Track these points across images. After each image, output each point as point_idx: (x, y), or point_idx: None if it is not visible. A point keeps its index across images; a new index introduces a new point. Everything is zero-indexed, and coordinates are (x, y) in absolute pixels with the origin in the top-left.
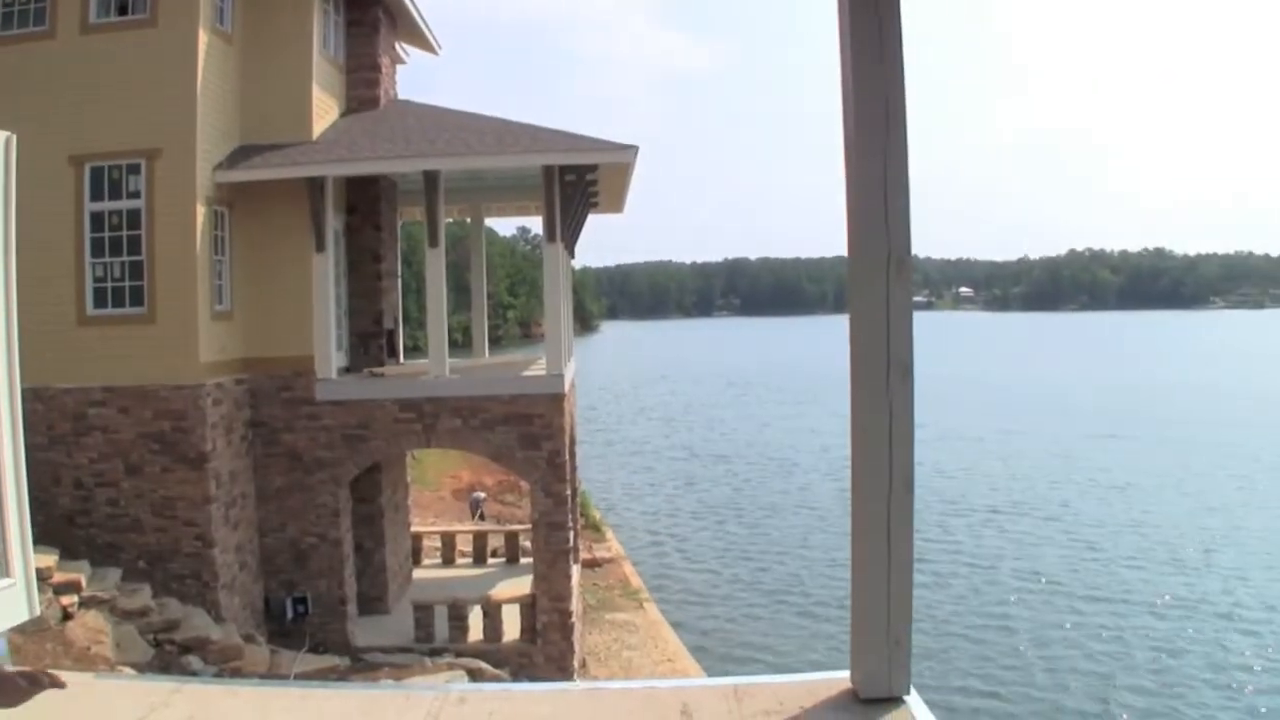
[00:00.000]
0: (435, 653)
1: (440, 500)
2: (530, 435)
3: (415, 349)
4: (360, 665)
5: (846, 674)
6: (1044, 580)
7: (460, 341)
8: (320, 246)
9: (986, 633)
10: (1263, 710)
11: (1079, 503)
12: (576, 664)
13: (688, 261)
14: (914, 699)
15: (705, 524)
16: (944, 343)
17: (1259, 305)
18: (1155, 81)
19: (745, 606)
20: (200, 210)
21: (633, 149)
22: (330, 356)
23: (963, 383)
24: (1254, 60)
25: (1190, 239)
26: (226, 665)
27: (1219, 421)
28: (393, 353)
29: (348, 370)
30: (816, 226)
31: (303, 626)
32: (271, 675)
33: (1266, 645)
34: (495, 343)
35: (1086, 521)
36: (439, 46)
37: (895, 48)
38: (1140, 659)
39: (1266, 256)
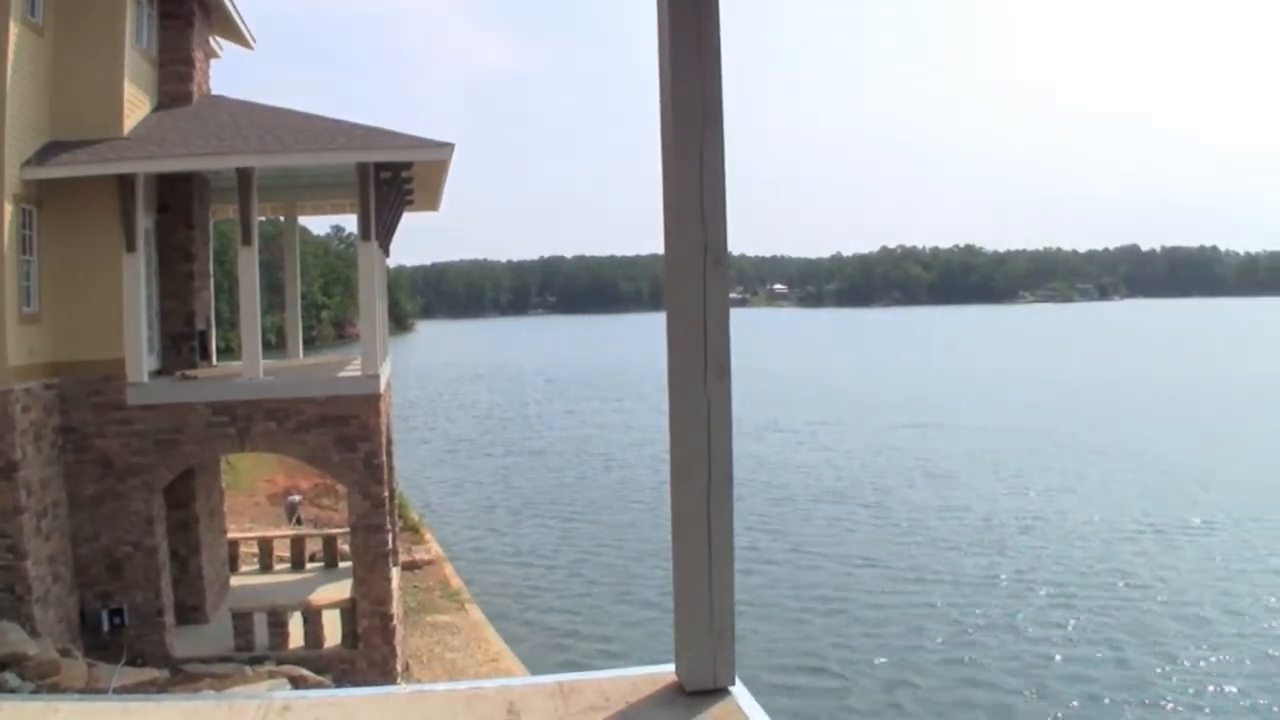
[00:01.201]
0: (256, 661)
1: (256, 505)
2: (346, 437)
3: (228, 351)
4: (180, 676)
5: (671, 667)
6: (865, 564)
7: (274, 342)
8: (131, 246)
9: (812, 618)
10: (1057, 674)
11: (897, 489)
12: (399, 668)
13: (504, 260)
14: (739, 689)
15: (525, 521)
16: (760, 339)
17: (1066, 299)
18: (966, 82)
19: (569, 603)
20: (7, 208)
21: (449, 146)
22: (142, 359)
23: (779, 378)
24: (1065, 61)
25: (1000, 236)
26: (44, 681)
27: (1028, 410)
28: (205, 355)
29: (160, 373)
30: (633, 224)
31: (120, 638)
32: (90, 690)
33: (1078, 615)
34: (309, 343)
35: (905, 507)
36: (254, 40)
37: (713, 48)
38: (956, 634)
39: (1074, 252)
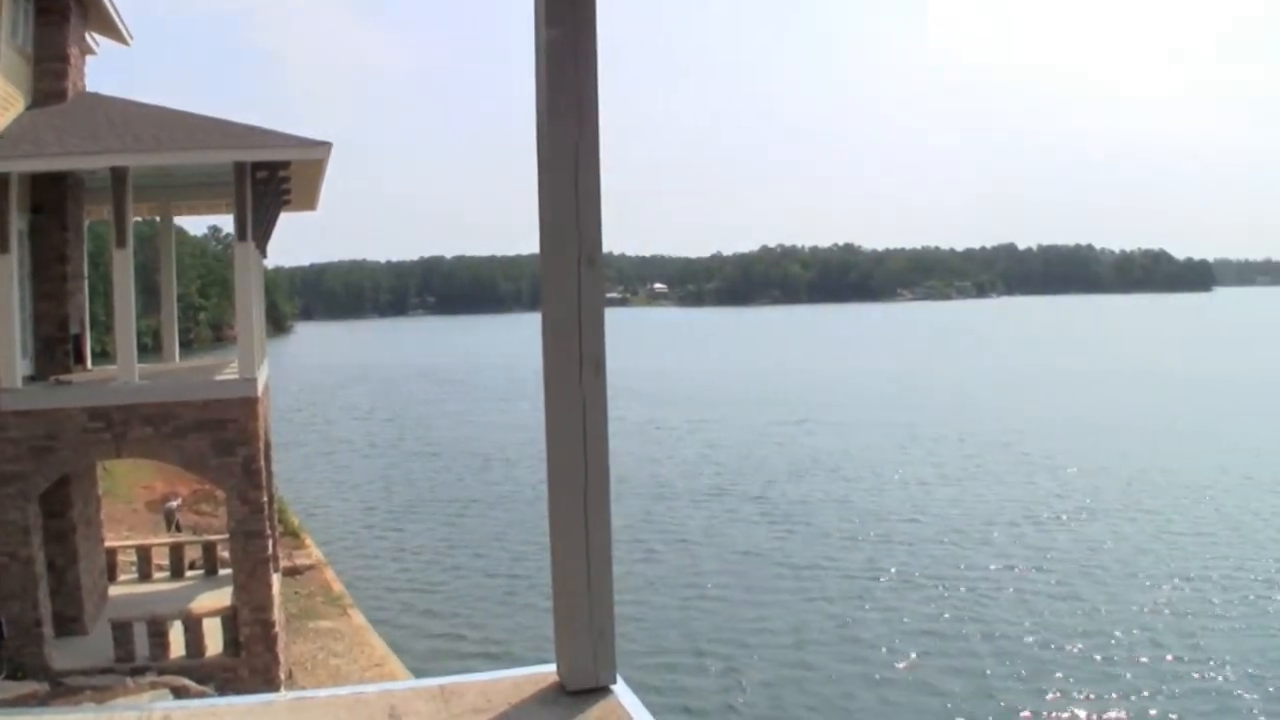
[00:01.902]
0: (137, 672)
1: (134, 513)
2: (224, 441)
3: (103, 354)
4: (61, 690)
5: (553, 667)
6: (748, 557)
7: (150, 346)
8: (3, 248)
9: (695, 612)
10: (938, 660)
11: (779, 484)
12: (283, 675)
13: (383, 260)
14: (621, 687)
15: (407, 523)
16: (640, 338)
17: (945, 297)
18: (847, 81)
19: (453, 604)
20: None
21: (326, 145)
22: (14, 364)
23: (659, 376)
24: (942, 60)
25: (879, 235)
26: None
27: (907, 405)
28: (80, 359)
29: (33, 378)
30: (513, 224)
31: None
32: None
33: (957, 602)
34: (186, 346)
35: (786, 501)
36: (131, 37)
37: (589, 48)
38: (840, 625)
39: (952, 251)
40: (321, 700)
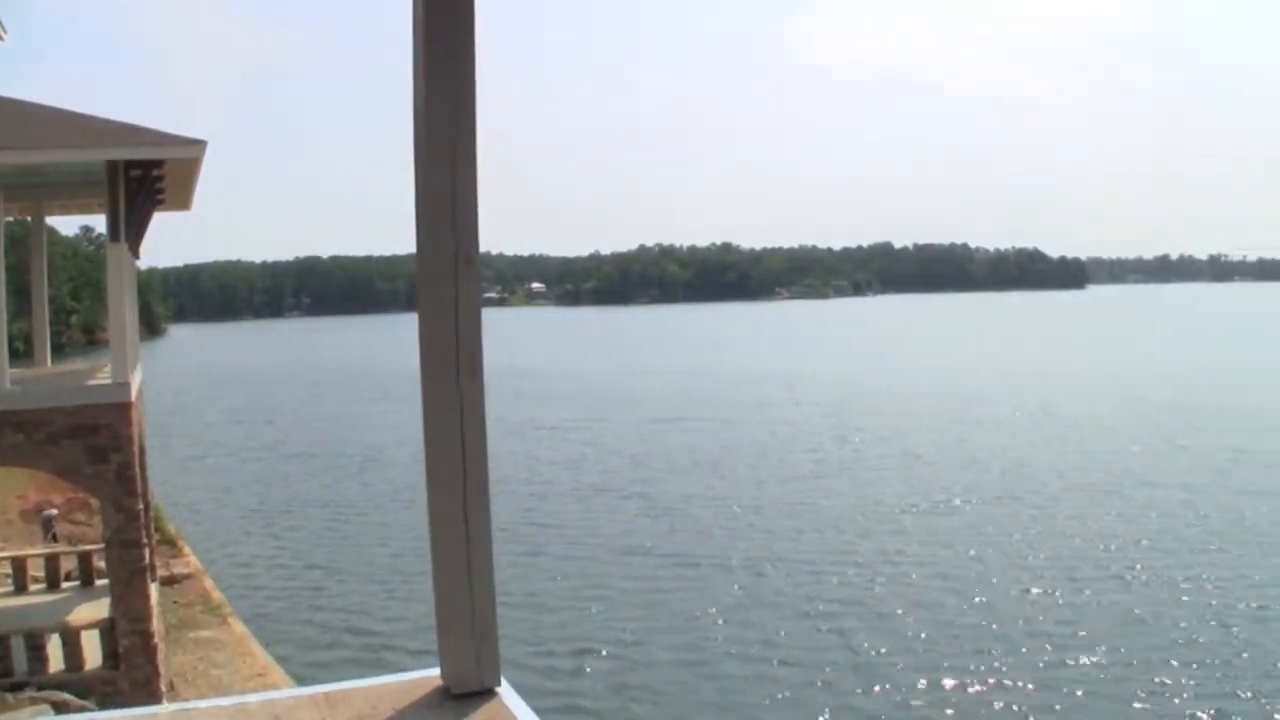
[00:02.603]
0: (16, 687)
1: (9, 523)
2: (97, 448)
3: None
4: None
5: (437, 671)
6: (632, 553)
7: (21, 350)
8: None
9: (580, 610)
10: (816, 646)
11: (660, 481)
12: (164, 687)
13: (258, 260)
14: (506, 689)
15: (286, 528)
16: (518, 338)
17: (822, 295)
18: (724, 81)
19: (335, 609)
20: None
21: (201, 144)
22: None
23: (539, 376)
24: (822, 60)
25: (757, 234)
26: None
27: (785, 402)
28: None
29: None
30: (389, 223)
31: None
32: None
33: (838, 591)
34: (58, 350)
35: (667, 497)
36: (5, 31)
37: (468, 47)
38: (722, 616)
39: (829, 250)
40: (204, 711)
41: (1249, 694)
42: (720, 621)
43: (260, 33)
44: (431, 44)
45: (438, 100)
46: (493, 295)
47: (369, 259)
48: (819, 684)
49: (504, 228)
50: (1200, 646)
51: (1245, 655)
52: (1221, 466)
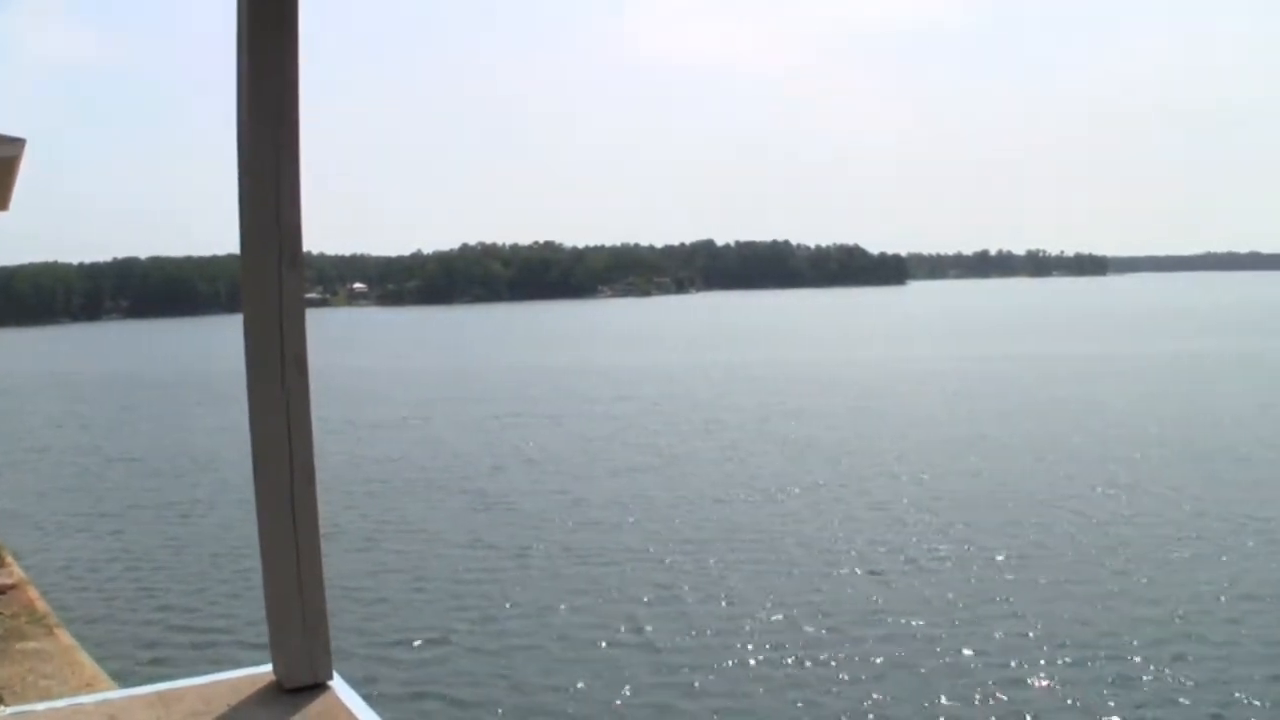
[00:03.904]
0: None
1: None
2: None
3: None
4: None
5: (270, 667)
6: (467, 547)
7: None
8: None
9: (413, 604)
10: (646, 636)
11: (490, 476)
12: None
13: (75, 262)
14: (338, 682)
15: (113, 533)
16: (341, 339)
17: (645, 293)
18: (545, 77)
19: (165, 614)
20: None
21: (19, 142)
22: None
23: (363, 376)
24: (648, 57)
25: (579, 233)
26: None
27: (609, 399)
28: None
29: None
30: (210, 223)
31: None
32: None
33: (669, 581)
34: None
35: (500, 492)
36: None
37: (291, 48)
38: (556, 607)
39: (651, 248)
40: (40, 713)
41: (1044, 662)
42: (550, 608)
43: (82, 32)
44: (255, 44)
45: (261, 100)
46: (314, 296)
47: (188, 260)
48: (645, 664)
49: (324, 227)
50: (983, 622)
51: (1040, 626)
52: (1022, 453)
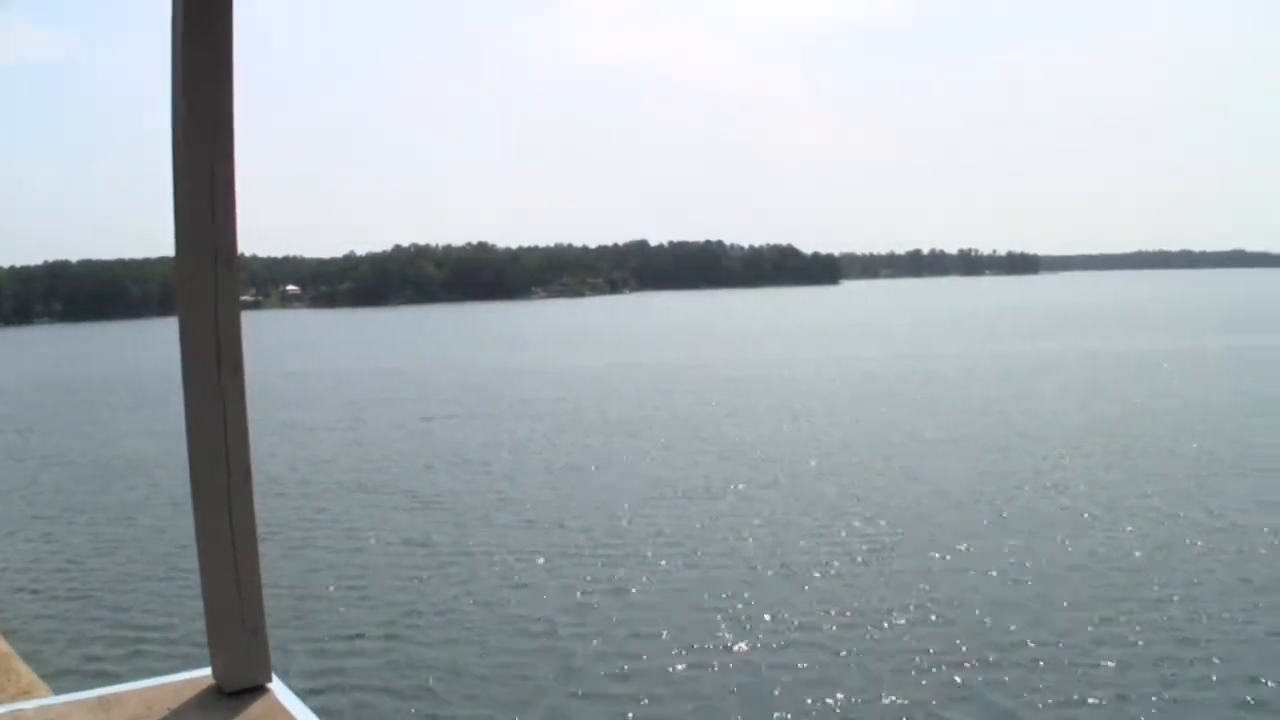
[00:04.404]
0: None
1: None
2: None
3: None
4: None
5: (209, 670)
6: (399, 546)
7: None
8: None
9: (352, 604)
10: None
11: (425, 475)
12: None
13: (6, 265)
14: (277, 685)
15: (48, 539)
16: (276, 341)
17: (578, 294)
18: (476, 79)
19: (102, 620)
20: None
21: None
22: None
23: (298, 378)
24: (577, 57)
25: (513, 233)
26: None
27: (545, 399)
28: None
29: None
30: (142, 225)
31: None
32: None
33: (600, 575)
34: None
35: (433, 491)
36: None
37: (227, 51)
38: (491, 603)
39: (585, 248)
40: None
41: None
42: (485, 606)
43: (25, 30)
44: (190, 48)
45: (197, 103)
46: (247, 298)
47: (120, 262)
48: (578, 656)
49: (257, 229)
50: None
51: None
52: (943, 446)
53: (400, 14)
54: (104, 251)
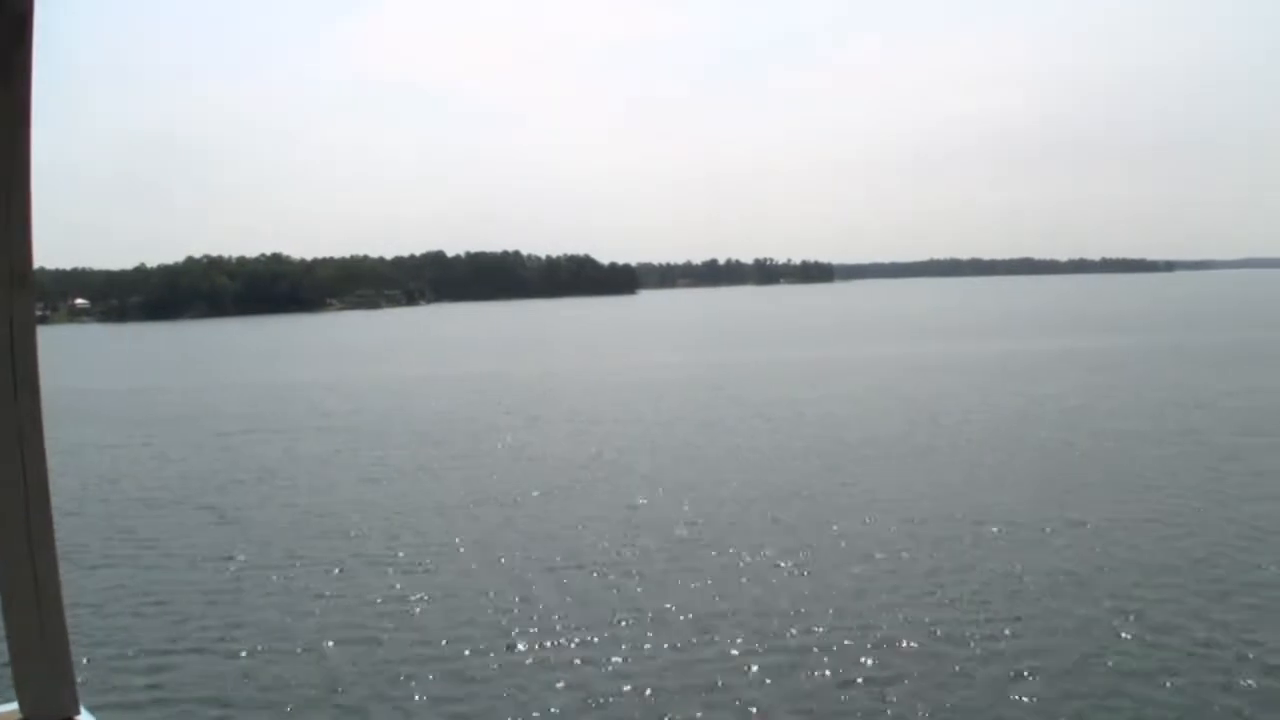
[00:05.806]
0: None
1: None
2: None
3: None
4: None
5: (15, 705)
6: (206, 563)
7: None
8: None
9: (162, 627)
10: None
11: (228, 491)
12: None
13: None
14: (85, 716)
15: None
16: (65, 358)
17: (375, 305)
18: (272, 92)
19: None
20: None
21: None
22: None
23: (91, 396)
24: (361, 79)
25: (308, 245)
26: None
27: (342, 413)
28: None
29: None
30: None
31: None
32: None
33: (402, 581)
34: None
35: (237, 507)
36: None
37: (25, 52)
38: (304, 618)
39: (381, 259)
40: None
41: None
42: (297, 618)
43: None
44: None
45: None
46: (36, 313)
47: None
48: (390, 660)
49: (44, 241)
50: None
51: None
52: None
53: (202, 27)
54: None
